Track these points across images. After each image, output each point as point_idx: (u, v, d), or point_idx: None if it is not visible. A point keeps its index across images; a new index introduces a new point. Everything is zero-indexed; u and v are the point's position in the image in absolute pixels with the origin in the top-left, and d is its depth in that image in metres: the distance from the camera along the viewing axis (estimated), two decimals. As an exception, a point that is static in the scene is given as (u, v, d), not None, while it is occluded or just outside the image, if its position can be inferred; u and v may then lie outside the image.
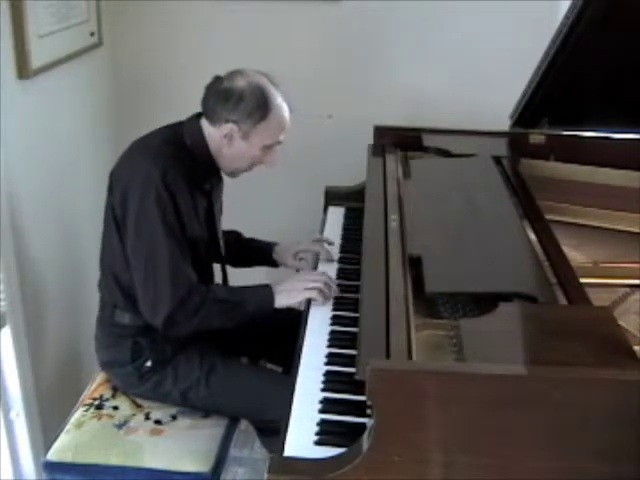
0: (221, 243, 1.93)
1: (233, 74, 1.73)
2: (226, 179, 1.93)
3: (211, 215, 1.84)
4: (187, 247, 1.69)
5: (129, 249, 1.69)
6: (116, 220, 1.71)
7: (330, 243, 2.00)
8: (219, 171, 1.84)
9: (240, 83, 1.70)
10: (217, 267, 1.97)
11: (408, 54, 2.63)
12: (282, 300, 1.71)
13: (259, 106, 1.69)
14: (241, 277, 2.08)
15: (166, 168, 1.65)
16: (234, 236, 2.08)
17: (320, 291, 1.69)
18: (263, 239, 2.10)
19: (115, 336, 1.79)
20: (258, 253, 2.07)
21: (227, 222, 2.04)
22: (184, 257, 1.68)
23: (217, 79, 1.74)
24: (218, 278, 1.98)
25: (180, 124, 1.79)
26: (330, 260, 1.93)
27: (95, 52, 2.47)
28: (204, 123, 1.76)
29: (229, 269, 2.02)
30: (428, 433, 1.06)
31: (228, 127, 1.70)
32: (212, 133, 1.74)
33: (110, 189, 1.74)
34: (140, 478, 1.66)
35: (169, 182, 1.65)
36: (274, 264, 2.06)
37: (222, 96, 1.70)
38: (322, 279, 1.72)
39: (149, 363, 1.77)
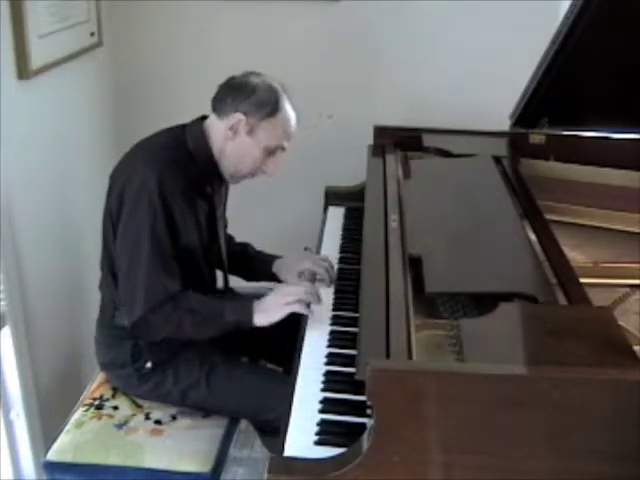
0: (223, 248, 1.92)
1: (248, 73, 1.76)
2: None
3: (213, 219, 1.83)
4: (174, 256, 1.68)
5: (116, 247, 1.70)
6: (113, 222, 1.71)
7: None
8: (221, 175, 1.83)
9: (254, 79, 1.73)
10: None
11: (408, 54, 2.63)
12: (261, 319, 1.66)
13: (270, 102, 1.70)
14: (242, 282, 2.08)
15: (163, 174, 1.65)
16: (241, 248, 2.06)
17: (301, 302, 1.63)
18: (268, 247, 2.06)
19: (115, 337, 1.79)
20: (260, 267, 2.02)
21: (228, 223, 2.04)
22: (166, 267, 1.66)
23: (230, 78, 1.76)
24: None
25: (183, 127, 1.78)
26: (329, 284, 1.83)
27: (95, 52, 2.47)
28: (210, 122, 1.76)
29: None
30: (428, 433, 1.06)
31: (236, 117, 1.70)
32: (218, 129, 1.74)
33: (109, 191, 1.74)
34: (140, 478, 1.66)
35: (165, 189, 1.64)
36: (277, 278, 2.00)
37: (235, 88, 1.72)
38: (300, 290, 1.66)
39: (149, 364, 1.76)
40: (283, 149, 1.77)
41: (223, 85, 1.75)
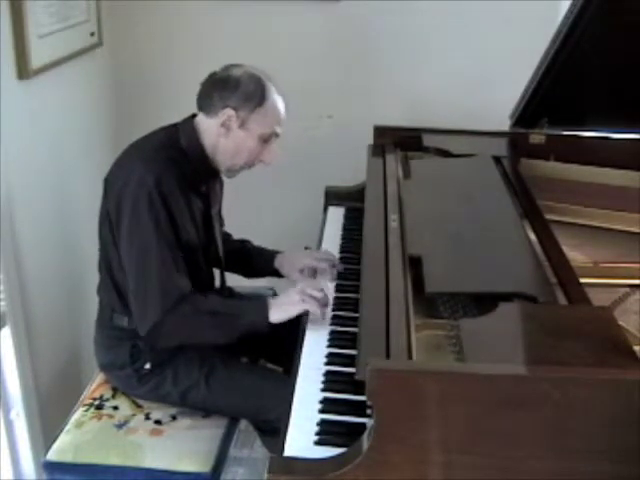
0: (220, 247, 1.92)
1: (228, 66, 1.74)
2: (226, 181, 1.92)
3: (208, 218, 1.83)
4: (181, 255, 1.67)
5: (122, 254, 1.69)
6: (111, 225, 1.70)
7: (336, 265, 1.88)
8: (216, 173, 1.83)
9: (237, 72, 1.71)
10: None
11: (408, 54, 2.63)
12: (278, 314, 1.65)
13: (257, 91, 1.69)
14: (239, 281, 2.08)
15: (160, 173, 1.64)
16: (240, 244, 2.06)
17: (316, 302, 1.63)
18: (268, 247, 2.06)
19: (114, 339, 1.79)
20: (261, 262, 2.02)
21: (227, 223, 2.04)
22: (176, 265, 1.66)
23: (212, 74, 1.74)
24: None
25: (175, 126, 1.78)
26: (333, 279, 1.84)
27: (95, 52, 2.47)
28: (199, 120, 1.75)
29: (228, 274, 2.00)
30: (428, 433, 1.06)
31: (226, 113, 1.69)
32: (209, 126, 1.73)
33: (105, 194, 1.74)
34: (140, 478, 1.66)
35: (162, 188, 1.64)
36: (278, 274, 2.01)
37: (219, 84, 1.71)
38: (320, 295, 1.65)
39: (148, 365, 1.76)
40: (277, 135, 1.77)
41: (206, 82, 1.74)
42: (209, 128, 1.73)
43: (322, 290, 1.68)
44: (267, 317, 1.65)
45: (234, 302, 1.75)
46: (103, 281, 1.81)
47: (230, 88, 1.69)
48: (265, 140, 1.75)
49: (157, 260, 1.63)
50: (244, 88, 1.69)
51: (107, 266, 1.76)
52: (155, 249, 1.63)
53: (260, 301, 1.70)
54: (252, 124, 1.71)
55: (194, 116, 1.78)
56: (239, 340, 1.69)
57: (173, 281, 1.65)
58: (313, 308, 1.62)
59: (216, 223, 1.89)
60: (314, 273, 1.88)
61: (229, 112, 1.69)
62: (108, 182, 1.74)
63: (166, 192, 1.64)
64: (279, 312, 1.65)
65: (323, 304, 1.64)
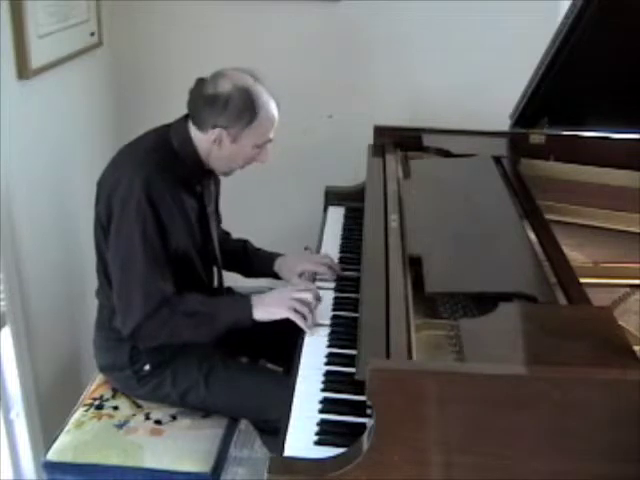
0: (216, 245, 1.91)
1: (216, 77, 1.70)
2: (223, 180, 1.92)
3: (204, 217, 1.83)
4: (166, 259, 1.67)
5: (108, 255, 1.69)
6: (103, 229, 1.70)
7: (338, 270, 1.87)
8: (210, 171, 1.82)
9: (225, 87, 1.67)
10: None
11: (408, 54, 2.63)
12: (261, 314, 1.66)
13: (247, 108, 1.66)
14: (240, 280, 2.08)
15: (149, 176, 1.63)
16: (240, 244, 2.06)
17: (303, 316, 1.62)
18: (269, 247, 2.06)
19: (113, 340, 1.79)
20: (261, 264, 2.02)
21: (227, 223, 2.04)
22: (161, 270, 1.65)
23: (200, 82, 1.71)
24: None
25: (168, 127, 1.77)
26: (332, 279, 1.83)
27: (95, 52, 2.47)
28: (192, 129, 1.73)
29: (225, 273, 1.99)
30: (428, 433, 1.06)
31: (216, 132, 1.68)
32: (200, 139, 1.72)
33: (97, 198, 1.74)
34: (140, 478, 1.66)
35: (152, 191, 1.63)
36: (277, 276, 2.01)
37: (208, 101, 1.67)
38: (308, 297, 1.64)
39: (147, 367, 1.76)
40: (271, 140, 1.76)
41: (194, 93, 1.70)
42: (201, 141, 1.72)
43: (311, 291, 1.68)
44: (250, 315, 1.66)
45: (216, 301, 1.74)
46: (101, 284, 1.81)
47: (219, 107, 1.66)
48: (259, 146, 1.74)
49: (142, 264, 1.63)
50: (234, 104, 1.65)
51: (104, 269, 1.76)
52: (140, 253, 1.63)
53: (242, 300, 1.70)
54: (245, 139, 1.70)
55: (187, 117, 1.76)
56: (233, 338, 1.69)
57: (156, 285, 1.64)
58: (299, 320, 1.61)
59: (212, 222, 1.88)
60: (314, 277, 1.87)
61: (220, 131, 1.68)
62: (100, 185, 1.74)
63: (155, 196, 1.64)
64: (263, 312, 1.66)
65: (314, 304, 1.64)
